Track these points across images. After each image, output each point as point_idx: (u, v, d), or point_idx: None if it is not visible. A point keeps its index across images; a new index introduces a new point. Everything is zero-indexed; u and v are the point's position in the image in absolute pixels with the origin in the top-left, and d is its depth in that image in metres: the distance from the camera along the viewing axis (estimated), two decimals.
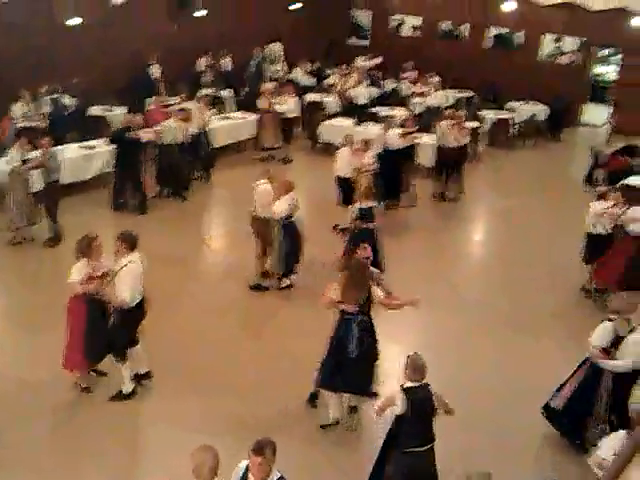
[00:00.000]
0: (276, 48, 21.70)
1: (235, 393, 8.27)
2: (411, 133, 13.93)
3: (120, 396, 8.02)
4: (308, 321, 9.63)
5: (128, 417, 7.87)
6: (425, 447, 6.15)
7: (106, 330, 7.77)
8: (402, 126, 14.37)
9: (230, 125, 16.95)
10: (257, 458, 4.92)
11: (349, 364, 7.39)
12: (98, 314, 7.75)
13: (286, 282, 10.76)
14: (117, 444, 7.45)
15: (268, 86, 17.04)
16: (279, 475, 5.04)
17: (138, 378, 8.22)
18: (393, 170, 13.45)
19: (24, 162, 11.56)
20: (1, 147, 12.90)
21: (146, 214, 13.11)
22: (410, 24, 22.96)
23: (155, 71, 18.03)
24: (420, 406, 6.04)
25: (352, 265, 7.82)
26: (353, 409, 7.88)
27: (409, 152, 14.17)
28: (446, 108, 17.43)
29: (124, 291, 7.52)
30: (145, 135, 13.19)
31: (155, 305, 8.27)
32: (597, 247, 10.65)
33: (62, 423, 7.70)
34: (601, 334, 7.23)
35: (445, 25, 22.28)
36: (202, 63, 19.42)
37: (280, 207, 10.22)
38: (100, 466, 7.09)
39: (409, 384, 6.07)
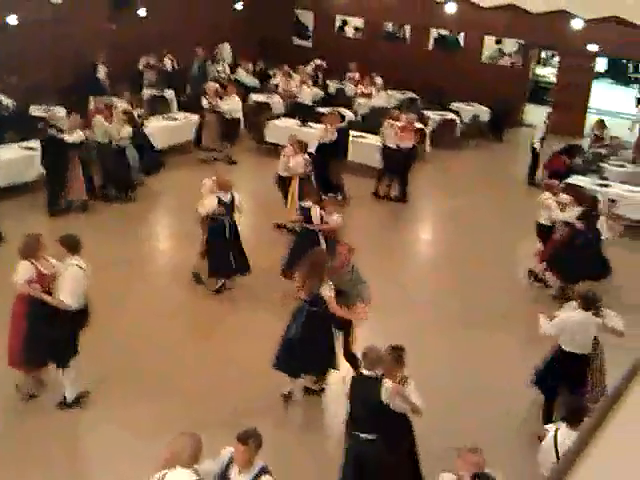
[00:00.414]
0: (225, 48, 21.64)
1: (184, 397, 8.14)
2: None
3: (65, 404, 7.79)
4: (253, 324, 9.65)
5: (76, 424, 7.67)
6: (372, 435, 6.28)
7: (48, 335, 7.46)
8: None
9: (172, 126, 16.69)
10: (240, 446, 5.17)
11: (295, 345, 7.79)
12: (41, 318, 7.45)
13: (218, 283, 10.60)
14: (64, 452, 7.27)
15: (211, 86, 16.86)
16: (261, 465, 5.25)
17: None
18: (323, 167, 13.67)
19: None
20: None
21: (80, 217, 12.74)
22: (353, 25, 23.01)
23: (101, 70, 17.76)
24: (361, 394, 6.28)
25: (313, 255, 8.06)
26: (308, 390, 8.34)
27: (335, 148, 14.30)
28: (391, 109, 17.51)
29: (67, 295, 7.30)
30: (70, 137, 12.63)
31: (101, 309, 8.08)
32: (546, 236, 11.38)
33: (7, 431, 7.46)
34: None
35: (388, 27, 22.39)
36: (142, 63, 19.15)
37: (203, 205, 10.10)
38: (47, 475, 6.88)
39: (360, 371, 6.39)
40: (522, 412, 8.25)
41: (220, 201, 10.02)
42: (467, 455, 5.39)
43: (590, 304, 7.55)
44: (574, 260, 10.51)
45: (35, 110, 16.03)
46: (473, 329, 9.94)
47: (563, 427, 6.11)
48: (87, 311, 7.74)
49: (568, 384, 7.59)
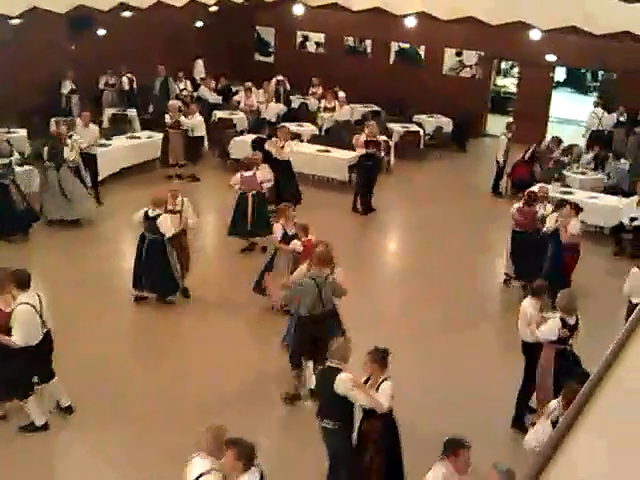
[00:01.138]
0: (199, 64, 21.77)
1: (153, 419, 8.06)
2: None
3: (32, 428, 7.66)
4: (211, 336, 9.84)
5: (44, 448, 7.56)
6: (334, 424, 6.59)
7: (2, 372, 7.38)
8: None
9: (135, 145, 16.59)
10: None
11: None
12: None
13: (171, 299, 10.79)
14: (34, 478, 7.12)
15: (173, 104, 16.80)
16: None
17: (60, 410, 7.94)
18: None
19: None
20: None
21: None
22: (314, 40, 23.10)
23: (68, 86, 17.93)
24: (323, 383, 6.70)
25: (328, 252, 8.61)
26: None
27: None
28: (356, 122, 17.61)
29: (17, 336, 7.22)
30: None
31: (59, 334, 7.96)
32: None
33: None
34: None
35: (349, 41, 22.51)
36: (101, 82, 19.26)
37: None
38: None
39: (328, 363, 6.71)
40: (502, 421, 8.26)
41: (147, 216, 10.15)
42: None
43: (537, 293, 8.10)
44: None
45: None
46: (445, 339, 9.99)
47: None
48: (48, 341, 7.64)
49: None
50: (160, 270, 10.37)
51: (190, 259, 10.97)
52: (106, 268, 11.98)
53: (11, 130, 16.11)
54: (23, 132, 15.98)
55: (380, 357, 6.53)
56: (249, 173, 12.45)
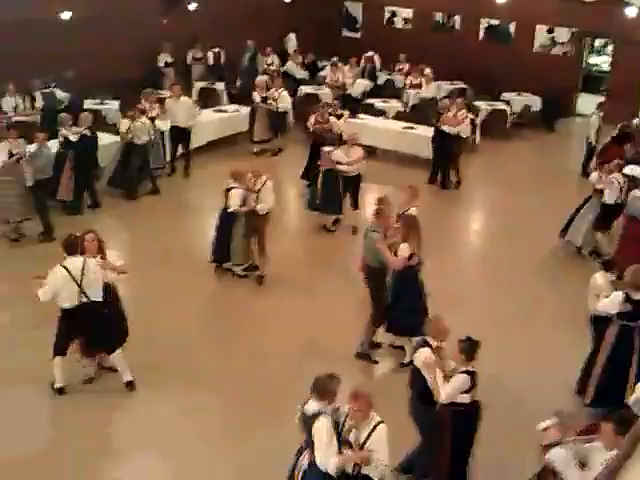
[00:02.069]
0: (291, 39, 21.97)
1: (235, 390, 8.29)
2: None
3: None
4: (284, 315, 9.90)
5: (131, 405, 7.87)
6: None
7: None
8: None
9: (222, 118, 16.85)
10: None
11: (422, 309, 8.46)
12: None
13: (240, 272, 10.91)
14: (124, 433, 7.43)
15: (261, 80, 16.95)
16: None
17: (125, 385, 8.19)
18: None
19: (11, 156, 11.35)
20: None
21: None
22: (402, 16, 22.89)
23: (163, 62, 18.61)
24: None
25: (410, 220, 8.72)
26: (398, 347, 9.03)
27: None
28: (441, 99, 17.39)
29: (40, 289, 7.57)
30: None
31: (144, 302, 8.19)
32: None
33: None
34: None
35: (438, 17, 22.22)
36: (190, 56, 19.68)
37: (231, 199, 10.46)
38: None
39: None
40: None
41: (227, 188, 10.45)
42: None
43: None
44: None
45: (89, 104, 16.34)
46: (530, 325, 9.83)
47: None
48: (88, 310, 7.70)
49: None
50: (227, 242, 10.62)
51: (264, 244, 10.78)
52: (190, 240, 12.25)
53: (104, 102, 16.61)
54: (115, 104, 16.44)
55: (467, 348, 6.30)
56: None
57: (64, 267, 7.52)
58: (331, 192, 12.52)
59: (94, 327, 7.74)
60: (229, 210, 10.40)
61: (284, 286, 10.68)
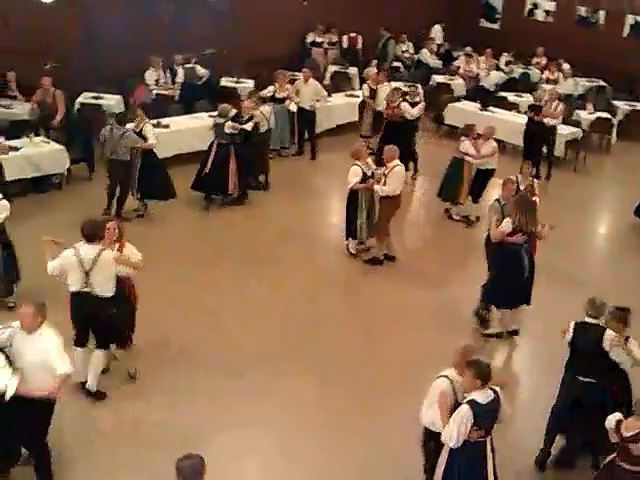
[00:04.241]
0: (437, 29, 21.86)
1: (343, 376, 8.45)
2: None
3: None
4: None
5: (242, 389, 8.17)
6: (591, 379, 6.91)
7: None
8: None
9: (351, 103, 16.80)
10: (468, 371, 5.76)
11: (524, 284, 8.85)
12: None
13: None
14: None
15: (371, 72, 16.76)
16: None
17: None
18: None
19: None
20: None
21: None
22: (544, 8, 22.31)
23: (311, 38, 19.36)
24: (584, 339, 6.86)
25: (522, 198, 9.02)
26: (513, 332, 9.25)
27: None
28: (579, 97, 16.94)
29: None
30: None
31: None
32: None
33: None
34: None
35: (582, 11, 21.53)
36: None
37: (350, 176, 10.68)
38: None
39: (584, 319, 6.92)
40: None
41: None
42: None
43: None
44: None
45: (225, 81, 16.88)
46: None
47: None
48: (86, 305, 7.39)
49: None
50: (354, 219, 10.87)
51: (381, 228, 10.91)
52: (318, 223, 12.55)
53: (240, 80, 17.06)
54: (250, 82, 16.82)
55: (619, 317, 6.80)
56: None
57: (76, 253, 7.25)
58: (453, 180, 12.51)
59: (95, 322, 7.51)
60: (349, 187, 10.72)
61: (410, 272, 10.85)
